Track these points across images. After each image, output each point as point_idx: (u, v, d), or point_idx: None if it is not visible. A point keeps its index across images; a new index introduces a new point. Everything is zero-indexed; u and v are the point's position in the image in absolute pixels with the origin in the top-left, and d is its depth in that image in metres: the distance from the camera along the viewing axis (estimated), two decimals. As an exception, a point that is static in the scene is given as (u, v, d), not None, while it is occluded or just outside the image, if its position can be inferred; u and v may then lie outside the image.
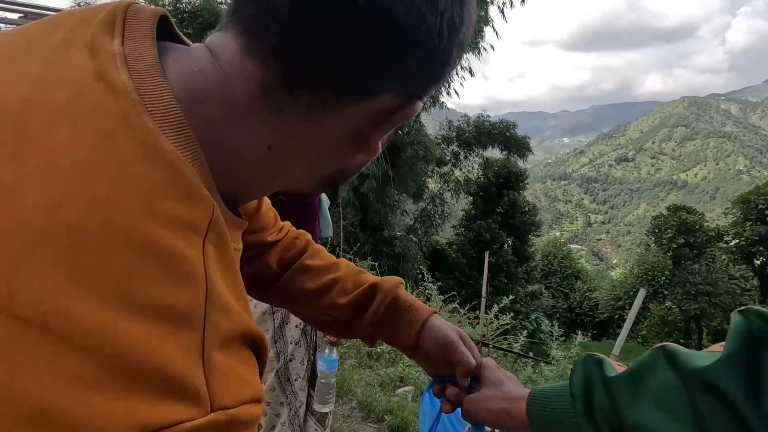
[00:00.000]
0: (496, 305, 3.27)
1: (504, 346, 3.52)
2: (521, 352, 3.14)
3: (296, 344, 1.60)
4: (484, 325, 3.36)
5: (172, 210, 0.26)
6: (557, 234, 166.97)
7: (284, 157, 0.35)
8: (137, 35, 0.31)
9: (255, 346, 0.31)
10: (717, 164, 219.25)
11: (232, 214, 0.35)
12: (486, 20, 13.53)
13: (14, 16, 1.85)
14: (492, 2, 13.19)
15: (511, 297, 3.47)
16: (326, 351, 1.62)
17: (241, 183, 0.36)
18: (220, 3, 13.78)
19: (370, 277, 0.64)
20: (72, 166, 0.25)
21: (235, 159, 0.34)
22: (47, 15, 1.98)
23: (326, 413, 1.72)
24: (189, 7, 12.76)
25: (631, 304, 22.77)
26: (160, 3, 12.92)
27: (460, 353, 0.58)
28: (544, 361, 2.79)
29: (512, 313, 3.56)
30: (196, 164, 0.29)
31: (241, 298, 0.31)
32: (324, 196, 1.79)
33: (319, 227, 1.72)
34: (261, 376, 0.32)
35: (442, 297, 3.77)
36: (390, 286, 0.62)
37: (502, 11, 13.53)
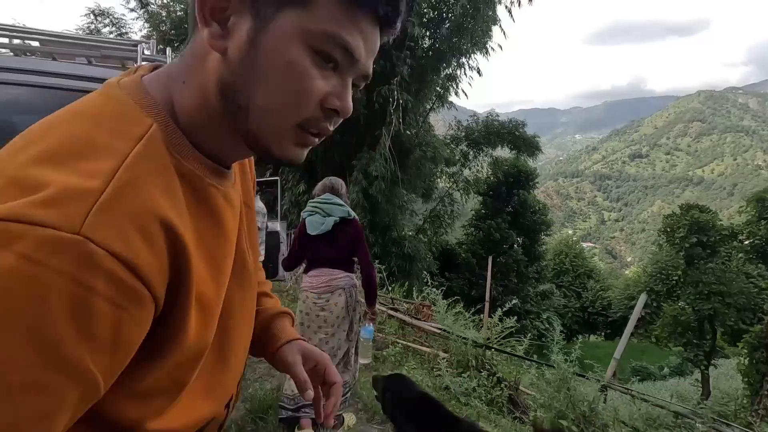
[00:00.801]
0: (500, 309, 3.33)
1: (508, 350, 3.58)
2: (524, 356, 3.20)
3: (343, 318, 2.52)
4: (488, 329, 3.43)
5: (112, 124, 0.40)
6: (570, 232, 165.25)
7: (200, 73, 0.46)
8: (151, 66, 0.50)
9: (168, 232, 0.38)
10: (735, 159, 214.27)
11: (205, 159, 0.47)
12: (494, 20, 13.48)
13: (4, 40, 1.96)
14: (500, 2, 13.14)
15: (514, 300, 3.51)
16: (365, 324, 2.67)
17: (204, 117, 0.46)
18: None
19: (273, 310, 0.73)
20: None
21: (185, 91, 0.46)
22: (60, 40, 2.09)
23: (366, 363, 3.06)
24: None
25: (645, 303, 22.38)
26: (172, 11, 13.19)
27: (295, 375, 0.63)
28: (546, 365, 2.84)
29: (517, 317, 3.60)
30: (147, 111, 0.43)
31: (177, 203, 0.41)
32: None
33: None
34: (171, 259, 0.39)
35: (445, 302, 3.85)
36: (271, 315, 0.71)
37: (509, 11, 13.47)
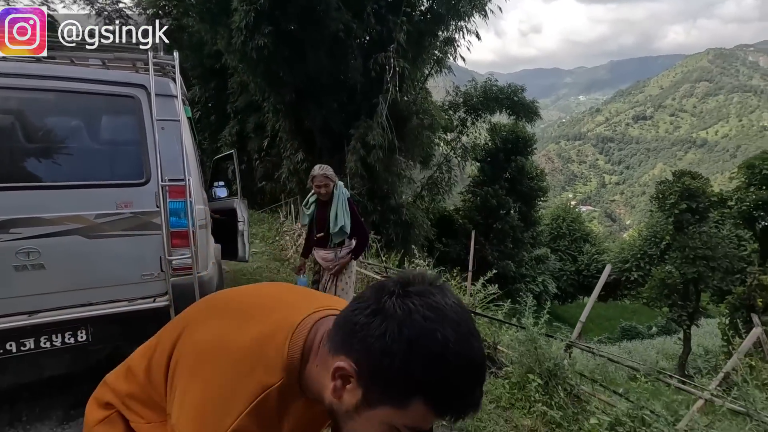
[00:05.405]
0: (481, 277, 3.68)
1: (490, 314, 3.97)
2: (502, 319, 3.58)
3: None
4: (471, 295, 3.80)
5: (260, 373, 0.66)
6: (570, 195, 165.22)
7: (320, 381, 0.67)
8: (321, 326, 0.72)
9: None
10: (740, 120, 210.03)
11: (301, 392, 0.70)
12: (494, -19, 13.10)
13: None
14: (499, -38, 12.73)
15: (495, 271, 3.85)
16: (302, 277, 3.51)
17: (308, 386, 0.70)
18: None
19: None
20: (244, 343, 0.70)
21: (308, 378, 0.69)
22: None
23: None
24: None
25: (638, 266, 22.74)
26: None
27: None
28: (520, 326, 3.21)
29: (512, 280, 3.94)
30: (288, 370, 0.67)
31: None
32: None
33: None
34: None
35: (432, 270, 4.20)
36: None
37: (509, -28, 13.04)
